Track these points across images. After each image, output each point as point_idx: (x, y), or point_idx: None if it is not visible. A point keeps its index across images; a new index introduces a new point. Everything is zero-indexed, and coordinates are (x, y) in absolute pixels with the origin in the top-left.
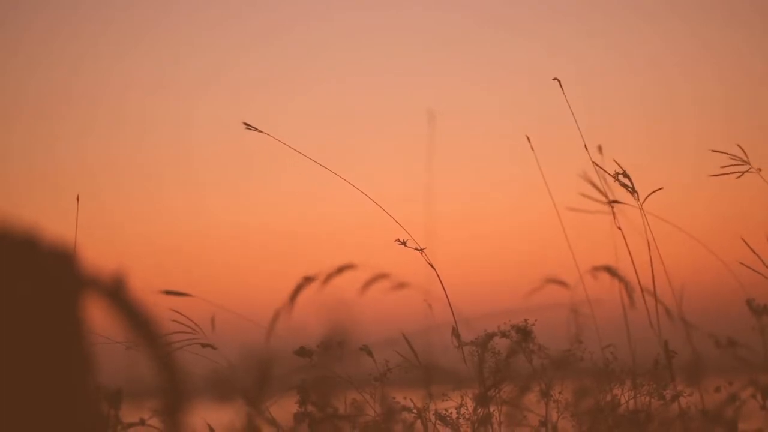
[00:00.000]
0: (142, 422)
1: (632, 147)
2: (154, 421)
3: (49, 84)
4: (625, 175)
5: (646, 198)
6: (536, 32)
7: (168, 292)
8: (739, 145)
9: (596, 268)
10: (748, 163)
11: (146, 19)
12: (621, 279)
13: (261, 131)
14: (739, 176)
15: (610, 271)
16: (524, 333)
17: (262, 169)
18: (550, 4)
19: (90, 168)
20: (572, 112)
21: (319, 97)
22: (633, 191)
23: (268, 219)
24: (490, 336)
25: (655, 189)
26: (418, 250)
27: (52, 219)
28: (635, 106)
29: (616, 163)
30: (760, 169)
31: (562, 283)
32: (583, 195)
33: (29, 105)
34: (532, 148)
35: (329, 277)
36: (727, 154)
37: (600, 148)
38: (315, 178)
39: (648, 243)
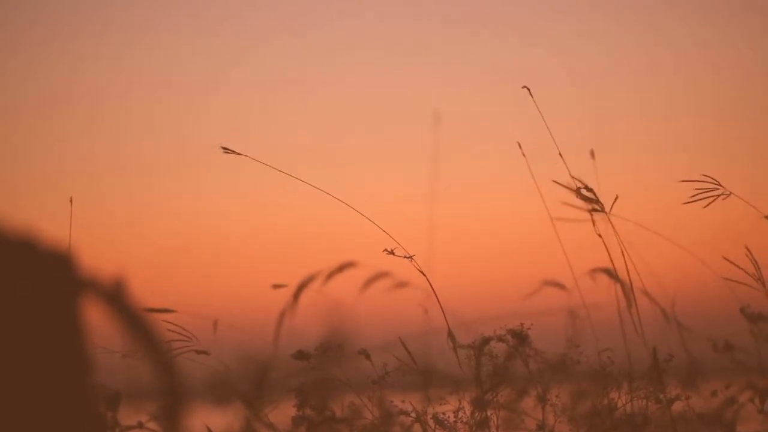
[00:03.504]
0: (140, 425)
1: (625, 150)
2: (153, 424)
3: (51, 84)
4: (588, 189)
5: (611, 207)
6: (533, 34)
7: (151, 310)
8: (706, 174)
9: (594, 271)
10: (721, 186)
11: (150, 19)
12: (618, 281)
13: (239, 153)
14: (710, 203)
15: (608, 273)
16: (521, 337)
17: (261, 171)
18: (549, 4)
19: (90, 170)
20: (544, 119)
21: (322, 98)
22: (597, 203)
23: (267, 220)
24: (486, 340)
25: (615, 199)
26: (407, 257)
27: (54, 221)
28: (628, 108)
29: (574, 178)
30: (731, 193)
31: (559, 286)
32: (566, 203)
33: (30, 105)
34: (524, 154)
35: (330, 275)
36: (697, 181)
37: (592, 153)
38: (306, 189)
39: (622, 250)
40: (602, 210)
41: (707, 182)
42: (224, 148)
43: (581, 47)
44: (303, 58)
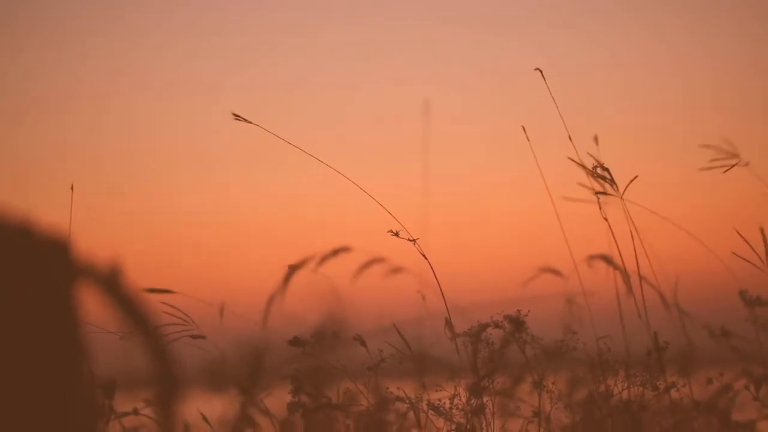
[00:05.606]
0: (135, 412)
1: (624, 139)
2: (148, 411)
3: (54, 72)
4: (603, 168)
5: (625, 188)
6: (528, 28)
7: (151, 290)
8: (727, 140)
9: (592, 257)
10: (738, 156)
11: (155, 16)
12: (617, 267)
13: (250, 122)
14: (727, 170)
15: (606, 259)
16: (517, 323)
17: (258, 163)
18: (543, 3)
19: (91, 157)
20: (555, 101)
21: (322, 93)
22: (612, 183)
23: (266, 210)
24: (483, 327)
25: (632, 178)
26: (410, 240)
27: (55, 208)
28: (624, 98)
29: (591, 156)
30: (748, 163)
31: (557, 273)
32: (575, 191)
33: (33, 94)
34: (528, 138)
35: (324, 259)
36: (715, 147)
37: (596, 139)
38: (311, 170)
39: (631, 234)
40: (614, 193)
41: (726, 149)
42: (235, 115)
43: (575, 40)
44: (305, 57)
